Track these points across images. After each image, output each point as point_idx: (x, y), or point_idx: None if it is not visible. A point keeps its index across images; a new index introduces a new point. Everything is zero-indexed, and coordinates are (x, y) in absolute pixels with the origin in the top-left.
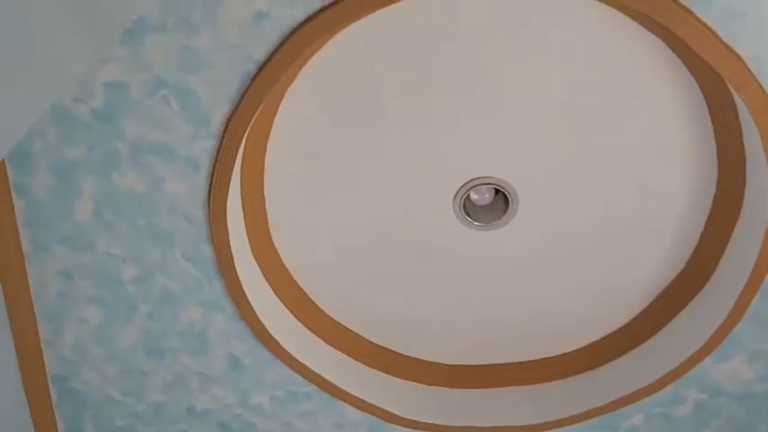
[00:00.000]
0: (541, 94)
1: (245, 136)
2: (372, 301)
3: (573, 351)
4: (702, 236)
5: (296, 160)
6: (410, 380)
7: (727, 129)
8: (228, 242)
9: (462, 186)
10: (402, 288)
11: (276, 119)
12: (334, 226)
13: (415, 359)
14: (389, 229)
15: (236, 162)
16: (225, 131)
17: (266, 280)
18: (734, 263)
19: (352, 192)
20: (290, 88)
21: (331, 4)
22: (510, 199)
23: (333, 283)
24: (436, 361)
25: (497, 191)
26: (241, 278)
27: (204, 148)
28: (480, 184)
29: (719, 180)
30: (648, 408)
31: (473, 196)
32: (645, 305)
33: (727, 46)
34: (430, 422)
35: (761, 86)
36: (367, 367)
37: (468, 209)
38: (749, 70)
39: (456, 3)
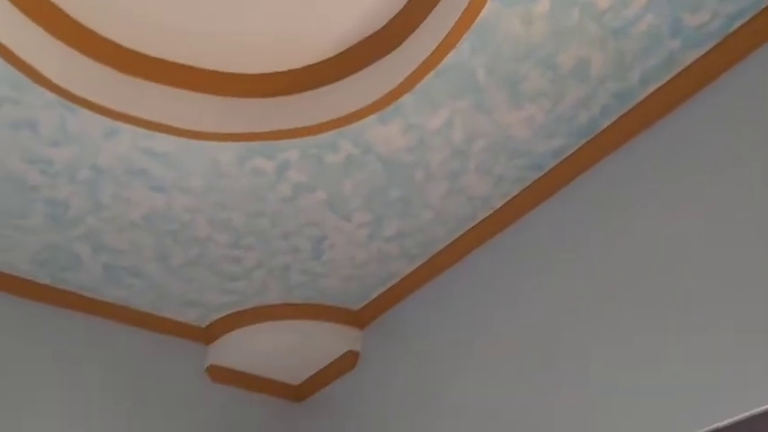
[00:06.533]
0: None
1: None
2: None
3: (259, 74)
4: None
5: None
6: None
7: None
8: None
9: None
10: None
11: None
12: None
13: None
14: None
15: None
16: None
17: None
18: (426, 35)
19: None
20: None
21: None
22: None
23: None
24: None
25: None
26: None
27: None
28: None
29: None
30: (306, 147)
31: None
32: (337, 51)
33: None
34: (96, 101)
35: None
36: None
37: None
38: None
39: None
